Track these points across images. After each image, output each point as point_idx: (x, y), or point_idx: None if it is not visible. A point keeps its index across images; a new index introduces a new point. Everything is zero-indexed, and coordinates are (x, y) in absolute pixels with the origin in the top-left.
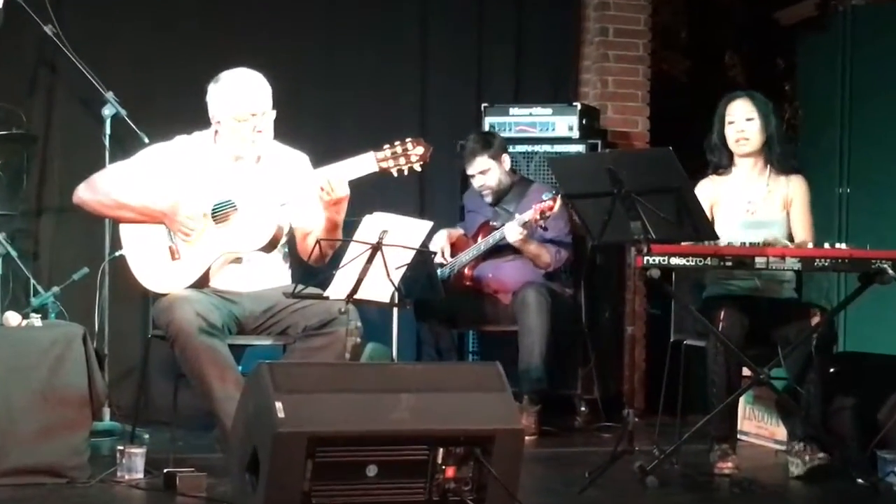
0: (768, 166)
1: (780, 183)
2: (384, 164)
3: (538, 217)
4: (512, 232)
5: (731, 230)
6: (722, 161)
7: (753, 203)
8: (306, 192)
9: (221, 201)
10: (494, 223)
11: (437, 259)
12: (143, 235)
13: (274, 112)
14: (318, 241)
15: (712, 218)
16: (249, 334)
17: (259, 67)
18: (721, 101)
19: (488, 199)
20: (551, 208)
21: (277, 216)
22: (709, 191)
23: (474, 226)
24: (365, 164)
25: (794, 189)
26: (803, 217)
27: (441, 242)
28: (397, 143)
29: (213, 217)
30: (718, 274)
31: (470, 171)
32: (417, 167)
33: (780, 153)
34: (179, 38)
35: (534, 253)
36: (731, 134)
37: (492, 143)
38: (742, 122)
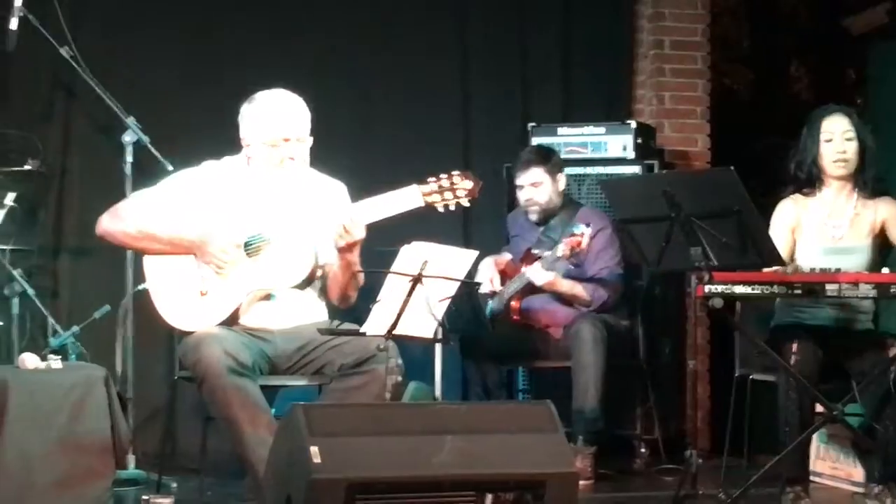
0: (856, 189)
1: (867, 207)
2: (430, 199)
3: (569, 253)
4: (537, 276)
5: (812, 256)
6: (813, 180)
7: (840, 227)
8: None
9: (254, 234)
10: (536, 251)
11: (486, 288)
12: (169, 269)
13: (310, 139)
14: (353, 273)
15: (793, 242)
16: (282, 374)
17: (289, 88)
18: (813, 114)
19: (533, 217)
20: (579, 244)
21: (314, 251)
22: (790, 212)
23: (520, 252)
24: (410, 198)
25: (885, 211)
26: None
27: (489, 271)
28: (444, 176)
29: (245, 250)
30: (791, 301)
31: (519, 182)
32: (465, 202)
33: (872, 176)
34: (205, 60)
35: (566, 294)
36: (828, 153)
37: (550, 158)
38: (842, 141)
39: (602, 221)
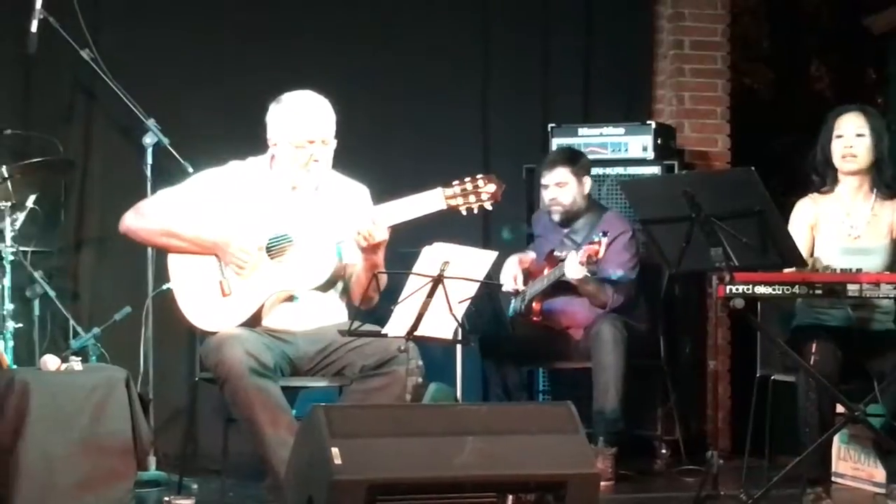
0: (875, 189)
1: (885, 208)
2: (453, 202)
3: (585, 260)
4: (572, 269)
5: (830, 255)
6: (826, 179)
7: (856, 227)
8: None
9: (277, 235)
10: (558, 254)
11: (510, 287)
12: (193, 268)
13: (335, 142)
14: (374, 274)
15: (812, 240)
16: (303, 376)
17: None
18: (829, 114)
19: (556, 218)
20: (597, 253)
21: (336, 253)
22: (809, 211)
23: (543, 253)
24: (432, 201)
25: None
26: None
27: (513, 270)
28: (467, 179)
29: (268, 251)
30: (811, 302)
31: (545, 182)
32: (488, 205)
33: (891, 176)
34: (225, 63)
35: (591, 292)
36: (837, 149)
37: (577, 160)
38: (851, 137)
39: (623, 226)
